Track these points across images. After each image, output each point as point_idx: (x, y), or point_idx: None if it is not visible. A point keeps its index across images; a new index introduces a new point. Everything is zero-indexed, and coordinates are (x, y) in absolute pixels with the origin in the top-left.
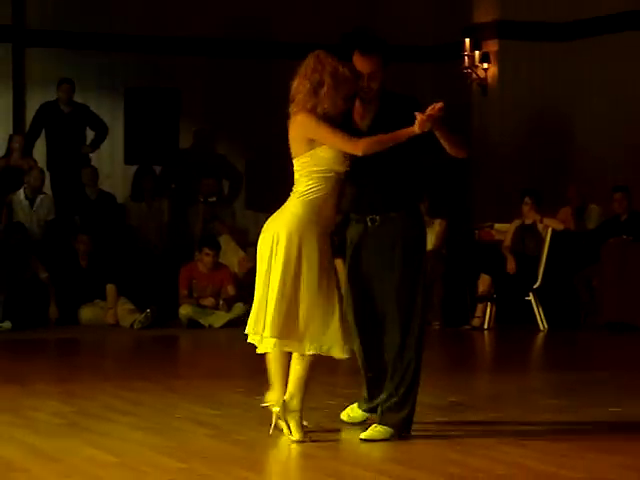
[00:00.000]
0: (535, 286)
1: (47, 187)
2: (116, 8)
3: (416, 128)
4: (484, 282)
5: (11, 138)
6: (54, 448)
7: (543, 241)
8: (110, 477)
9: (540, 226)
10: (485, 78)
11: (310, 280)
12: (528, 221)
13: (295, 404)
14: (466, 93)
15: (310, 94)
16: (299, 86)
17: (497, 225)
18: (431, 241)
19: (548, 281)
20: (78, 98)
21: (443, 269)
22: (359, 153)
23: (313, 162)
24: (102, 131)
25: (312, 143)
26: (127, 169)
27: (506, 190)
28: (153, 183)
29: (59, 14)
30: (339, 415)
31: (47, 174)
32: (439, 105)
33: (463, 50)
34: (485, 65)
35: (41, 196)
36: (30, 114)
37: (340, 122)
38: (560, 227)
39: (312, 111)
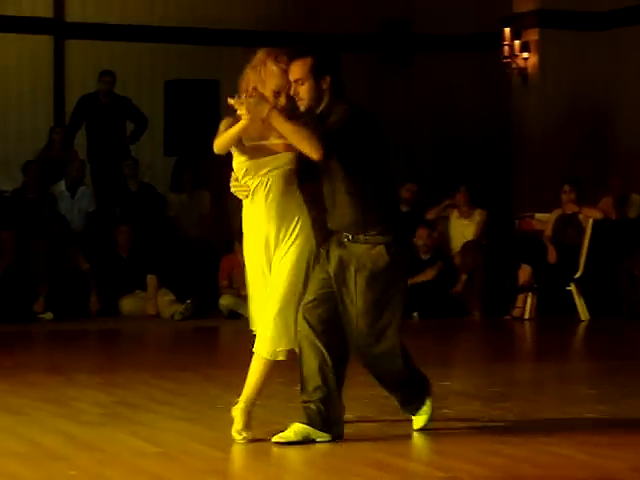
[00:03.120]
0: (576, 276)
1: (87, 179)
2: (156, 0)
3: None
4: (525, 272)
5: (52, 130)
6: (96, 437)
7: (584, 231)
8: (151, 467)
9: (581, 216)
10: (525, 67)
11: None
12: (569, 211)
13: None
14: (506, 83)
15: (242, 89)
16: (240, 81)
17: (538, 215)
18: (471, 231)
19: (589, 271)
20: (118, 90)
21: (483, 259)
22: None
23: None
24: (142, 123)
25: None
26: (167, 160)
27: (547, 180)
28: (193, 175)
29: (99, 6)
30: (381, 405)
31: (87, 166)
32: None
33: (503, 39)
34: (525, 54)
35: (82, 188)
36: (70, 106)
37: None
38: (599, 216)
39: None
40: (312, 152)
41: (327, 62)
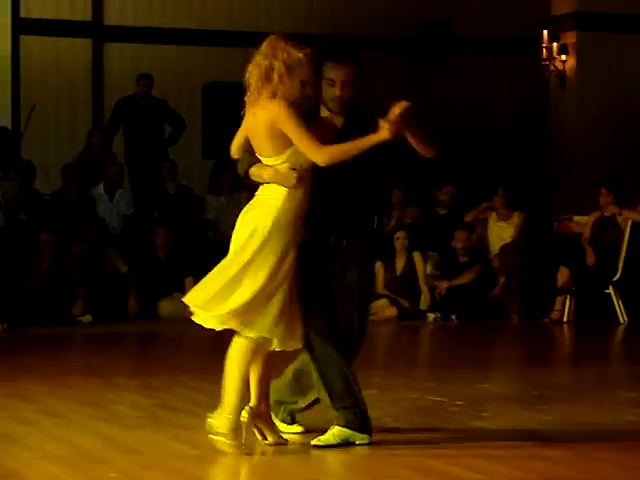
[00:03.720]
0: (615, 279)
1: (126, 182)
2: (194, 3)
3: (386, 133)
4: (563, 275)
5: (90, 133)
6: (135, 440)
7: (623, 233)
8: (190, 469)
9: (619, 218)
10: (563, 70)
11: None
12: (607, 213)
13: (264, 407)
14: (544, 85)
15: (262, 80)
16: (252, 71)
17: (576, 217)
18: (510, 234)
19: (628, 273)
20: (156, 93)
21: (521, 262)
22: (319, 161)
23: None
24: (179, 126)
25: (280, 139)
26: (205, 163)
27: (585, 182)
28: (232, 177)
29: (138, 9)
30: (419, 408)
31: (126, 169)
32: (404, 104)
33: (541, 42)
34: (563, 57)
35: (120, 190)
36: (109, 110)
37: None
38: (639, 218)
39: (285, 100)
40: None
41: (360, 66)
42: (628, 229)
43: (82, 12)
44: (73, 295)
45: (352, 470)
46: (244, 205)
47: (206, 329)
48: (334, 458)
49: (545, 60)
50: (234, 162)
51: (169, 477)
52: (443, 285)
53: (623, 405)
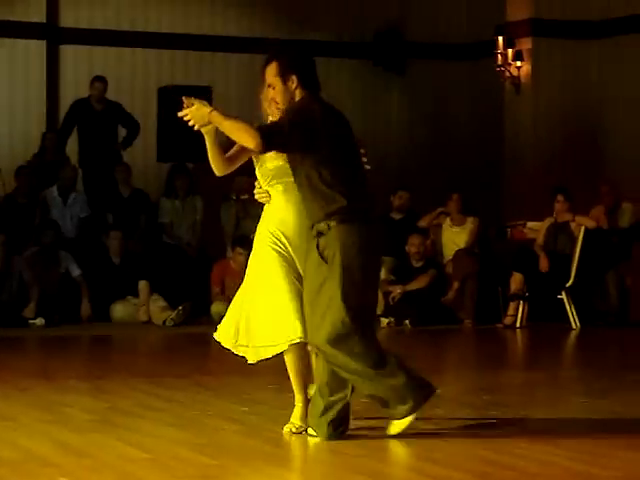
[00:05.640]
0: (567, 284)
1: (79, 184)
2: (150, 6)
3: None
4: (516, 280)
5: (44, 136)
6: (85, 444)
7: (576, 239)
8: (141, 473)
9: (573, 224)
10: (518, 76)
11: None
12: (561, 219)
13: None
14: (499, 91)
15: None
16: None
17: (530, 223)
18: (464, 239)
19: (580, 279)
20: (112, 96)
21: (476, 267)
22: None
23: None
24: (134, 129)
25: None
26: (160, 166)
27: (539, 188)
28: (187, 181)
29: (93, 12)
30: (370, 412)
31: (80, 171)
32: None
33: (496, 48)
34: (518, 63)
35: (74, 193)
36: (64, 112)
37: None
38: (592, 225)
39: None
40: (250, 143)
41: (291, 62)
42: (581, 235)
43: (37, 14)
44: (25, 298)
45: (300, 472)
46: (199, 209)
47: (156, 333)
48: (281, 461)
49: (500, 66)
50: (189, 166)
51: None
52: (397, 290)
53: (576, 410)
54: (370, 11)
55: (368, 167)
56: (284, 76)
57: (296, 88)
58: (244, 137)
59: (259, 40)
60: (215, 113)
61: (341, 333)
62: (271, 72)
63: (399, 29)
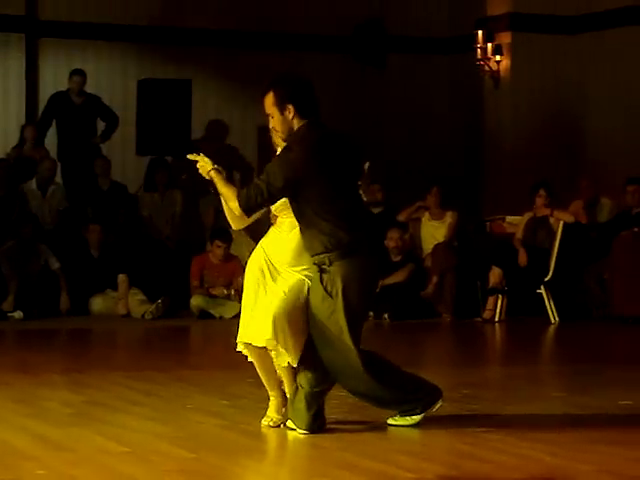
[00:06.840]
0: (546, 279)
1: (58, 177)
2: None
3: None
4: (495, 275)
5: (23, 128)
6: (64, 437)
7: (555, 234)
8: (120, 467)
9: (552, 219)
10: (497, 70)
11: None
12: (540, 214)
13: None
14: (479, 85)
15: None
16: None
17: (509, 218)
18: (442, 233)
19: (559, 274)
20: (91, 89)
21: (455, 261)
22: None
23: None
24: (113, 122)
25: None
26: (139, 160)
27: (518, 183)
28: (166, 175)
29: (72, 5)
30: (349, 406)
31: (58, 164)
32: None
33: (476, 42)
34: (498, 57)
35: (53, 186)
36: (42, 105)
37: None
38: (571, 220)
39: None
40: (236, 211)
41: (287, 92)
42: (560, 230)
43: (16, 6)
44: (4, 291)
45: (281, 466)
46: (178, 202)
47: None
48: (262, 455)
49: (480, 60)
50: (169, 159)
51: (98, 474)
52: None
53: (554, 404)
54: (351, 4)
55: (365, 199)
56: (281, 106)
57: (293, 118)
58: (233, 205)
59: (239, 33)
60: (214, 173)
61: (351, 372)
62: (269, 102)
63: (380, 22)
